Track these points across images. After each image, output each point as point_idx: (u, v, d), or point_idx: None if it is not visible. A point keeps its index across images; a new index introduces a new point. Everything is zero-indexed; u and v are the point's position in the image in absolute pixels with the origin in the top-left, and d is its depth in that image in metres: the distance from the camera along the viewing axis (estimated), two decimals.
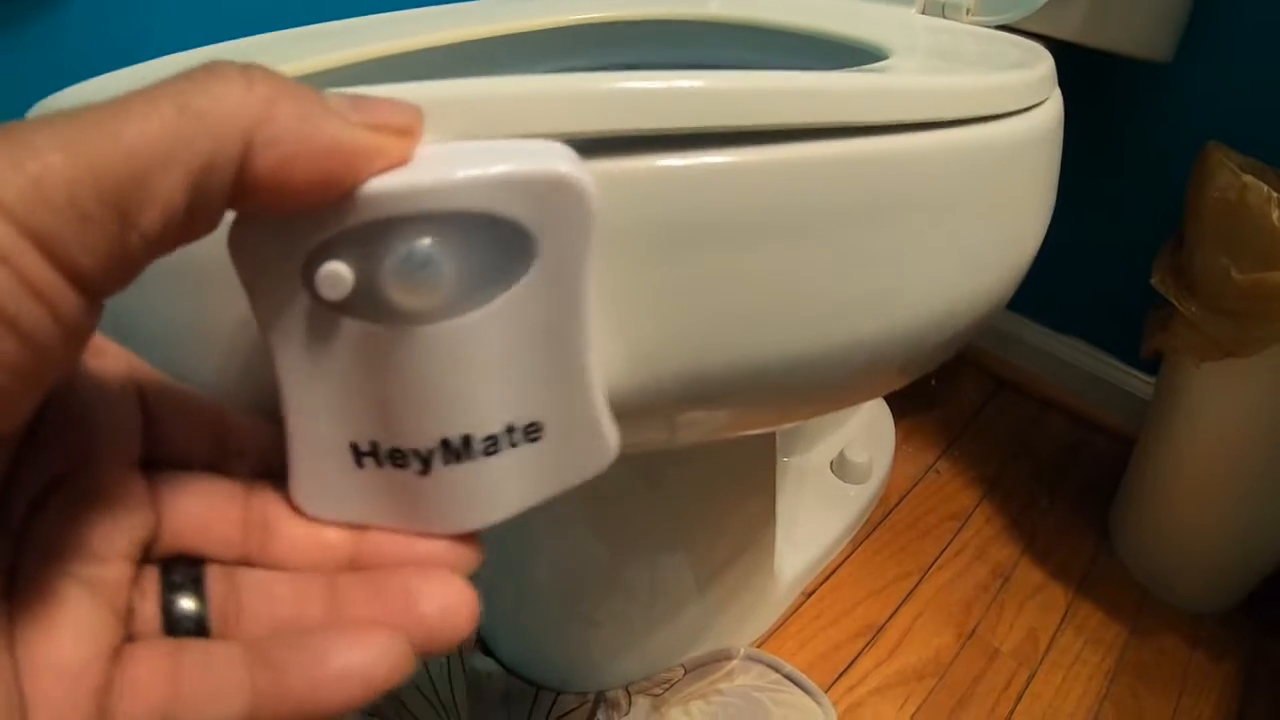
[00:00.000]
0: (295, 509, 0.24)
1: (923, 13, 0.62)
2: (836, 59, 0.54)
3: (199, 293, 0.28)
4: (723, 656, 0.64)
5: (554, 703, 0.62)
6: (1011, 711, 0.65)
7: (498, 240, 0.22)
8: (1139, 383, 0.89)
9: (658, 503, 0.57)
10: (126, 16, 0.71)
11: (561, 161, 0.22)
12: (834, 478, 0.81)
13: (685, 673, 0.63)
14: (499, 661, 0.65)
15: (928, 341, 0.36)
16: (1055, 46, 0.60)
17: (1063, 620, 0.73)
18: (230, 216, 0.20)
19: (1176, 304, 0.65)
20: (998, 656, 0.69)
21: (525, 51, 0.59)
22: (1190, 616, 0.74)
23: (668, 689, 0.62)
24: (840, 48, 0.54)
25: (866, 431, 0.87)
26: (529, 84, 0.26)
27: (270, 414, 0.28)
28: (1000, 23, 0.60)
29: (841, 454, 0.80)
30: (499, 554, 0.62)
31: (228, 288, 0.26)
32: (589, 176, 0.21)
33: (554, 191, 0.21)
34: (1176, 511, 0.73)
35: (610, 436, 0.26)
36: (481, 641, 0.66)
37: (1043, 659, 0.69)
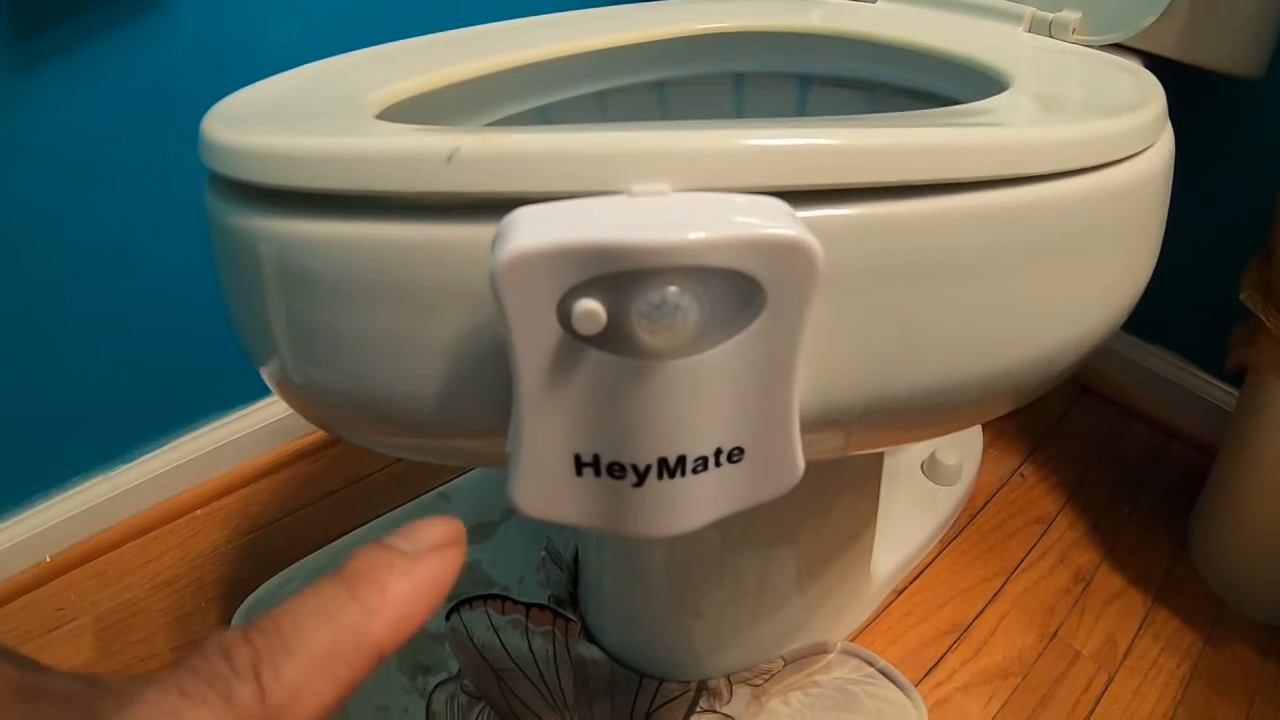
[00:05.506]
0: (515, 508, 0.29)
1: (1029, 30, 0.66)
2: (958, 79, 0.58)
3: (418, 314, 0.32)
4: (820, 650, 0.71)
5: (657, 690, 0.68)
6: (1090, 713, 0.71)
7: (735, 291, 0.26)
8: (1222, 394, 0.93)
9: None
10: (235, 11, 0.74)
11: (793, 225, 0.26)
12: (925, 479, 0.86)
13: (785, 664, 0.69)
14: (604, 650, 0.70)
15: (1059, 365, 0.42)
16: (1148, 61, 0.64)
17: (1141, 626, 0.78)
18: (495, 238, 0.24)
19: (1263, 319, 0.69)
20: (1078, 659, 0.75)
21: (650, 59, 0.64)
22: (1264, 627, 0.78)
23: (768, 680, 0.68)
24: (958, 68, 0.58)
25: (956, 434, 0.92)
26: (750, 138, 0.30)
27: (456, 421, 0.34)
28: (1105, 43, 0.63)
29: (933, 456, 0.86)
30: (608, 545, 0.67)
31: (449, 311, 0.31)
32: (815, 239, 0.26)
33: (789, 254, 0.25)
34: (1253, 524, 0.77)
35: (799, 461, 0.30)
36: (587, 630, 0.72)
37: (1121, 663, 0.75)
